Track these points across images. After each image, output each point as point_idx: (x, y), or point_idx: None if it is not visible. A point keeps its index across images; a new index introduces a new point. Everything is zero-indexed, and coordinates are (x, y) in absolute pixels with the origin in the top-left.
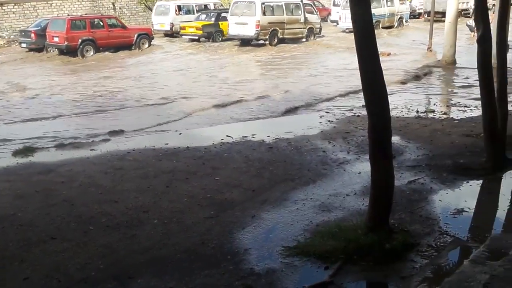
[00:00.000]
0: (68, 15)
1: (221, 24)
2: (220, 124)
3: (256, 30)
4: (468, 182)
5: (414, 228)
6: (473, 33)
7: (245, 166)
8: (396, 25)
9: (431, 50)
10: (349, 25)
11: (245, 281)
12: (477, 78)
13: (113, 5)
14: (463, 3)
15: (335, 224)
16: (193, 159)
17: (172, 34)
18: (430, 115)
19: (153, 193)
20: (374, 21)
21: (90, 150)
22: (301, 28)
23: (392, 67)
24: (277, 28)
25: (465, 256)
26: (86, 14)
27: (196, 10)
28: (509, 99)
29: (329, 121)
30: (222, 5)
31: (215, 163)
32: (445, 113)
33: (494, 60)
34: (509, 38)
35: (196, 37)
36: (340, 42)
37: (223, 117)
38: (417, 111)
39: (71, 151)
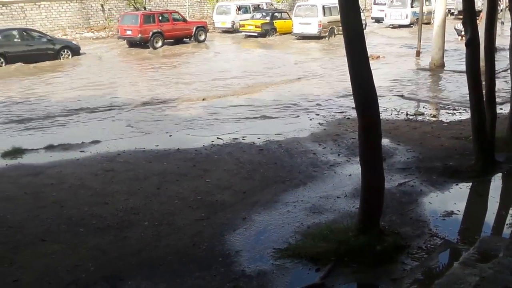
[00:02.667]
0: (138, 9)
1: (275, 22)
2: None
3: (318, 29)
4: (457, 184)
5: (404, 230)
6: (460, 36)
7: (235, 168)
8: (432, 21)
9: (420, 53)
10: (393, 21)
11: (236, 283)
12: (466, 81)
13: (102, 6)
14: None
15: (326, 226)
16: (183, 161)
17: (232, 31)
18: (420, 117)
19: (143, 195)
20: (415, 18)
21: (80, 151)
22: None
23: (380, 69)
24: (334, 26)
25: (455, 258)
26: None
27: (252, 10)
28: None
29: (319, 123)
30: (272, 5)
31: (206, 165)
32: (434, 116)
33: (482, 63)
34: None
35: (255, 34)
36: (380, 36)
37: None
38: (407, 114)
39: (60, 152)
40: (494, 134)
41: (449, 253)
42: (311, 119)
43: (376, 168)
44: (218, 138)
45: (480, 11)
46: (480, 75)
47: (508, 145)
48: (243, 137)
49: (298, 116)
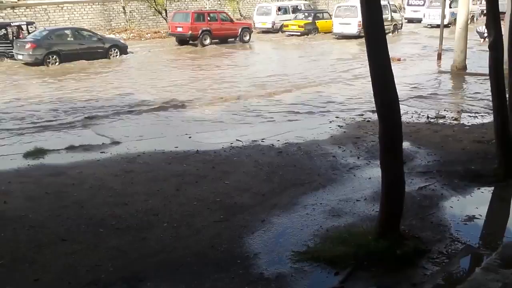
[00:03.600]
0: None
1: (317, 22)
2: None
3: (358, 29)
4: (479, 188)
5: (425, 234)
6: (483, 39)
7: (254, 170)
8: (469, 22)
9: (441, 55)
10: (432, 21)
11: (254, 286)
12: (488, 84)
13: (124, 9)
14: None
15: (345, 229)
16: (202, 162)
17: (273, 31)
18: (441, 121)
19: (163, 196)
20: (453, 19)
21: (101, 152)
22: (388, 25)
23: (402, 72)
24: None
25: (477, 264)
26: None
27: (291, 11)
28: None
29: (339, 126)
30: (310, 5)
31: (225, 167)
32: (456, 119)
33: (505, 66)
34: None
35: (298, 33)
36: (416, 35)
37: None
38: (428, 117)
39: (81, 153)
40: None
41: (471, 258)
42: (331, 122)
43: (397, 172)
44: (237, 140)
45: (504, 12)
46: (503, 78)
47: None
48: (262, 139)
49: (318, 118)
